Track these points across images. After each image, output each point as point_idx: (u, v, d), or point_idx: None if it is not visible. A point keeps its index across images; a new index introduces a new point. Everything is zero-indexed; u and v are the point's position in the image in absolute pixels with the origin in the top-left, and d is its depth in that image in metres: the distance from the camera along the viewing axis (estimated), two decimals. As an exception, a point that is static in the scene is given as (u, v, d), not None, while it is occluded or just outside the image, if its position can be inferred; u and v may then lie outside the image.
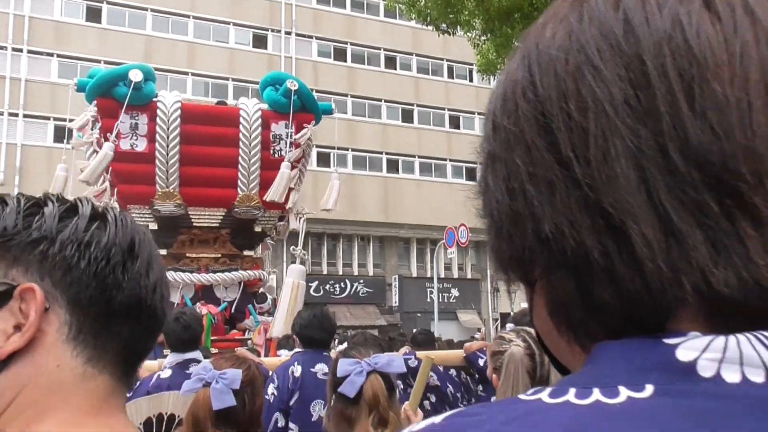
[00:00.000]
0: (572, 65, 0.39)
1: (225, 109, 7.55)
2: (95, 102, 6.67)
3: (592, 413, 0.33)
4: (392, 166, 30.20)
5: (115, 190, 6.87)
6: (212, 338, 6.70)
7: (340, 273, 28.87)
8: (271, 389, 3.74)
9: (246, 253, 7.64)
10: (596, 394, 0.34)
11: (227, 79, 27.43)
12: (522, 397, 0.37)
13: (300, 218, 8.14)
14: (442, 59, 32.25)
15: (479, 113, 32.26)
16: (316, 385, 3.47)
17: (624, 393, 0.33)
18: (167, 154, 6.89)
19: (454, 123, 32.14)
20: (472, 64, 32.52)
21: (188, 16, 27.22)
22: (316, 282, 28.25)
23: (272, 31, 28.88)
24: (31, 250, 0.69)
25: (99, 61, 25.27)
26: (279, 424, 3.72)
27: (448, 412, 0.37)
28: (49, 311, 0.69)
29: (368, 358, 2.32)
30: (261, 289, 7.71)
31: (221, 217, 7.29)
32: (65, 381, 0.69)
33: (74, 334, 0.70)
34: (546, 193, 0.39)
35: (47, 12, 25.28)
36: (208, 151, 6.97)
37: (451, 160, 31.12)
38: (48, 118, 24.20)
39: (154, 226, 6.90)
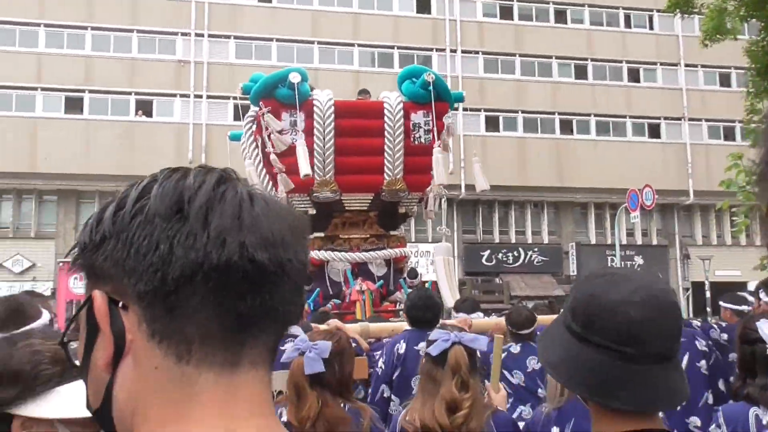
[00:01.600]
0: None
1: (371, 103, 8.62)
2: (261, 104, 8.06)
3: None
4: (566, 127, 29.46)
5: (279, 179, 8.32)
6: (374, 310, 7.95)
7: (513, 241, 28.83)
8: (380, 363, 4.25)
9: (392, 233, 8.73)
10: None
11: (392, 47, 28.14)
12: None
13: (438, 199, 9.00)
14: (617, 8, 30.58)
15: (662, 63, 30.41)
16: (418, 362, 4.06)
17: None
18: (324, 146, 8.05)
19: (633, 76, 30.53)
20: (651, 10, 29.95)
21: None
22: (488, 251, 28.39)
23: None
24: (98, 255, 0.70)
25: (271, 39, 27.14)
26: (384, 395, 4.19)
27: None
28: (129, 312, 0.68)
29: (457, 332, 2.72)
30: (410, 266, 8.78)
31: (370, 201, 8.37)
32: (168, 384, 0.68)
33: (152, 331, 0.68)
34: None
35: None
36: (359, 142, 8.03)
37: (630, 117, 29.79)
38: (227, 98, 25.85)
39: (312, 211, 7.93)
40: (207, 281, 0.67)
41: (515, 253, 28.22)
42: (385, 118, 7.93)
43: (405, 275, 8.40)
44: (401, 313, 7.81)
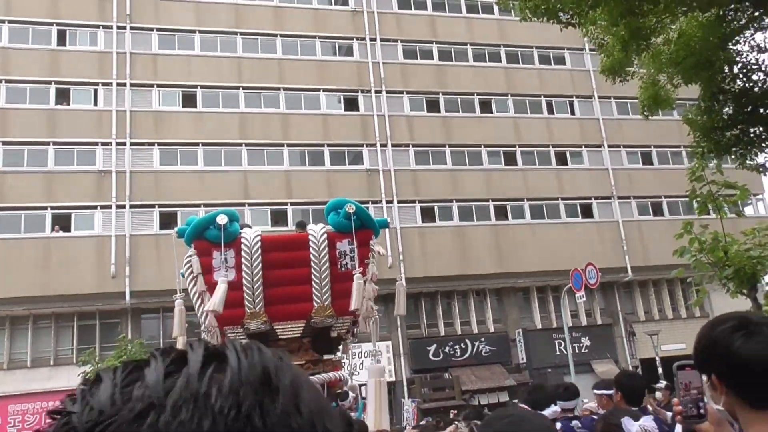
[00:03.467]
0: None
1: (296, 236, 9.61)
2: (193, 245, 8.94)
3: None
4: (501, 213, 30.47)
5: (210, 316, 9.09)
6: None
7: (459, 332, 29.12)
8: None
9: (326, 357, 9.52)
10: None
11: (322, 145, 28.99)
12: None
13: (369, 321, 9.89)
14: (539, 95, 32.53)
15: (586, 146, 32.27)
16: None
17: None
18: (252, 280, 8.91)
19: (561, 159, 32.18)
20: (571, 96, 32.19)
21: (278, 89, 29.10)
22: (435, 345, 28.54)
23: (362, 92, 30.38)
24: (138, 427, 0.58)
25: (197, 144, 27.32)
26: None
27: None
28: None
29: None
30: (345, 388, 9.52)
31: (302, 328, 9.20)
32: None
33: None
34: None
35: (146, 104, 27.68)
36: (286, 273, 8.87)
37: (563, 199, 31.26)
38: (153, 206, 26.38)
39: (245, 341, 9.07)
40: None
41: (462, 345, 28.53)
42: (311, 249, 8.84)
43: (338, 399, 9.17)
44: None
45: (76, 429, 0.59)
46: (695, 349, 2.05)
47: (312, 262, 8.83)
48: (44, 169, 26.09)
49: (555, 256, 28.75)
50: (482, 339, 28.93)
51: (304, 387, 0.64)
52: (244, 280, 8.67)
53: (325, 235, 8.95)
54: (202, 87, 28.40)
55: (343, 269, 8.96)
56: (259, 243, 8.76)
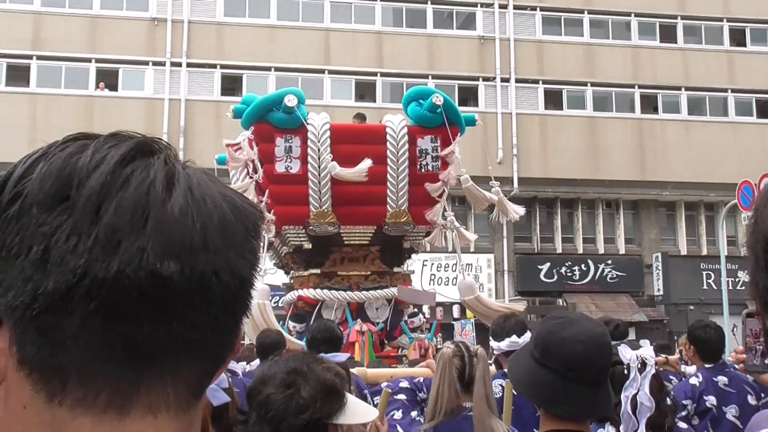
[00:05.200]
0: None
1: (372, 127, 10.28)
2: (253, 128, 9.86)
3: None
4: (648, 104, 27.88)
5: (272, 212, 9.37)
6: (375, 355, 9.69)
7: (580, 251, 27.63)
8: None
9: (396, 269, 9.95)
10: None
11: (425, 2, 27.53)
12: None
13: (448, 232, 10.69)
14: None
15: None
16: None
17: None
18: (319, 175, 9.77)
19: (737, 39, 28.86)
20: None
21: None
22: (548, 264, 27.11)
23: None
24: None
25: None
26: None
27: None
28: (2, 328, 0.66)
29: None
30: (413, 307, 10.49)
31: (371, 235, 9.98)
32: (37, 429, 0.66)
33: (21, 357, 0.65)
34: None
35: None
36: None
37: (733, 91, 28.13)
38: (214, 66, 26.27)
39: (308, 245, 9.48)
40: (89, 299, 0.63)
41: (583, 267, 27.42)
42: (388, 144, 9.59)
43: (406, 317, 10.21)
44: (404, 359, 9.65)
45: None
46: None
47: (389, 160, 9.67)
48: (88, 12, 25.62)
49: (714, 164, 26.30)
50: (609, 261, 27.41)
51: (115, 195, 0.67)
52: (310, 174, 9.63)
53: (405, 129, 9.77)
54: None
55: (423, 170, 9.80)
56: (329, 132, 9.67)
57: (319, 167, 9.15)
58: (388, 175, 9.29)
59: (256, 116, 9.22)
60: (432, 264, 25.28)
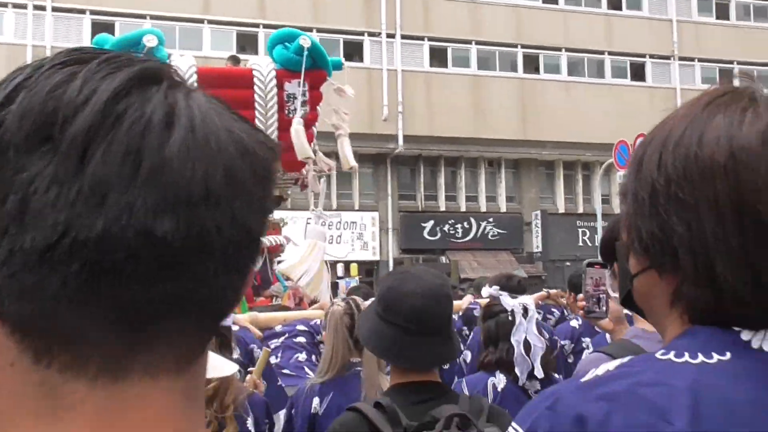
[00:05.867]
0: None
1: (239, 71, 9.95)
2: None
3: (701, 367, 0.86)
4: (530, 64, 28.36)
5: None
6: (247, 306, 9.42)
7: (463, 210, 27.97)
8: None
9: None
10: (701, 357, 0.86)
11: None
12: (658, 356, 0.90)
13: (319, 178, 10.46)
14: None
15: None
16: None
17: (716, 357, 0.86)
18: (182, 121, 9.16)
19: (614, 2, 29.53)
20: None
21: None
22: (432, 222, 27.27)
23: None
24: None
25: None
26: None
27: (617, 362, 0.92)
28: None
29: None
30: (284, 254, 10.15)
31: (238, 183, 9.60)
32: (26, 389, 0.60)
33: (2, 314, 0.59)
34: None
35: None
36: None
37: (610, 54, 29.00)
38: (422, 38, 25.08)
39: None
40: (70, 259, 0.55)
41: (465, 225, 27.88)
42: (256, 88, 9.18)
43: (277, 265, 9.57)
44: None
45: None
46: (602, 239, 2.58)
47: (256, 104, 9.30)
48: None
49: (592, 124, 27.02)
50: (490, 219, 28.02)
51: (104, 137, 0.57)
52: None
53: (273, 73, 9.40)
54: None
55: (292, 115, 9.47)
56: (195, 76, 9.18)
57: (182, 113, 8.67)
58: (257, 121, 8.98)
59: (112, 58, 8.60)
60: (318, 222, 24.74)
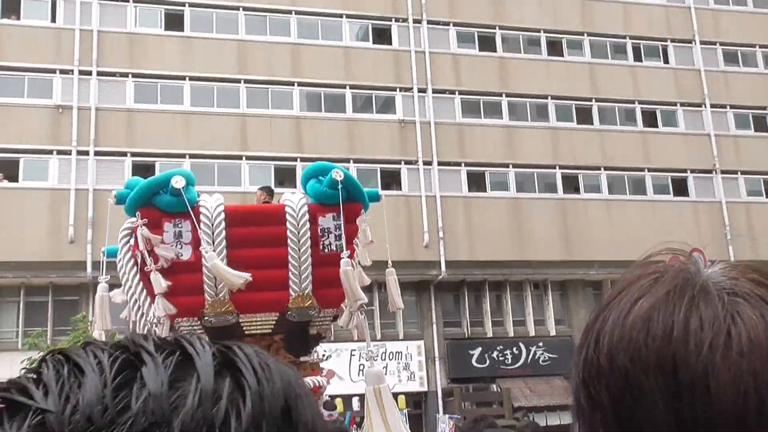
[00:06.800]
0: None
1: (269, 207, 9.81)
2: (138, 213, 9.10)
3: None
4: (569, 184, 28.51)
5: (158, 302, 9.24)
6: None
7: (511, 334, 27.42)
8: None
9: (303, 359, 9.73)
10: None
11: (344, 86, 27.61)
12: None
13: (357, 314, 10.09)
14: (623, 36, 30.41)
15: (682, 104, 29.74)
16: None
17: None
18: (215, 261, 9.20)
19: (649, 120, 30.00)
20: (665, 40, 29.61)
21: (289, 12, 27.72)
22: (479, 349, 26.65)
23: (396, 21, 28.81)
24: None
25: (183, 78, 25.80)
26: None
27: None
28: None
29: None
30: (326, 396, 9.79)
31: (274, 322, 9.39)
32: None
33: None
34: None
35: (118, 24, 26.32)
36: (256, 253, 8.90)
37: (650, 170, 29.13)
38: (124, 154, 25.73)
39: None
40: None
41: (514, 350, 27.19)
42: (288, 225, 9.00)
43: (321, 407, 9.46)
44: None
45: None
46: None
47: (289, 241, 9.04)
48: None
49: (637, 242, 25.20)
50: (540, 344, 27.47)
51: (319, 423, 0.66)
52: (204, 261, 8.94)
53: (306, 208, 9.16)
54: (191, 5, 26.98)
55: (327, 251, 9.17)
56: (223, 214, 8.99)
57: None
58: (290, 258, 8.69)
59: (140, 200, 8.44)
60: (360, 353, 24.70)
